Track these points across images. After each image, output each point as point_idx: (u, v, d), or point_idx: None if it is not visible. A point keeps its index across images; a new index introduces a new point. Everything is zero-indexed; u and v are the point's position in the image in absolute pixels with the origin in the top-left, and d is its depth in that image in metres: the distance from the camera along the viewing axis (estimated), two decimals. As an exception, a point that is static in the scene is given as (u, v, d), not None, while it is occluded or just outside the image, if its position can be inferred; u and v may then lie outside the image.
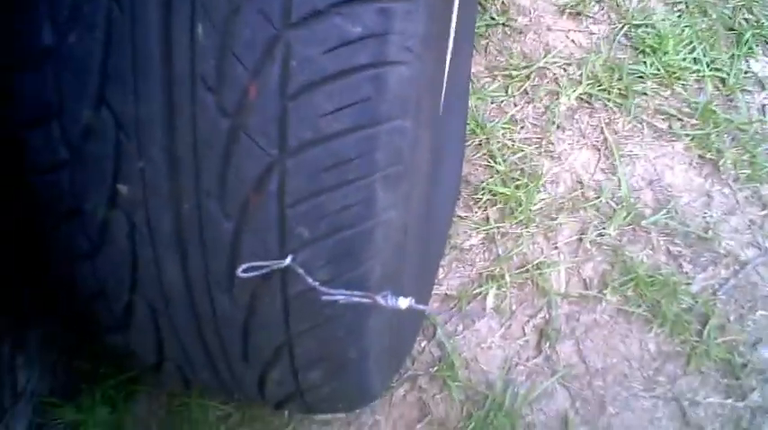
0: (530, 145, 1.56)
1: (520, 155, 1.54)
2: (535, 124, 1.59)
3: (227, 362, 0.72)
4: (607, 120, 1.60)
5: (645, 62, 1.68)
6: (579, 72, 1.65)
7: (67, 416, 1.24)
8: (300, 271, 0.60)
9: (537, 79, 1.64)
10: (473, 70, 1.57)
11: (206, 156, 0.57)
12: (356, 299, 0.59)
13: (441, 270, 1.43)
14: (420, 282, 0.94)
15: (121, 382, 1.27)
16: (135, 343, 0.74)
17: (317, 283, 0.60)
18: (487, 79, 1.63)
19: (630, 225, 1.48)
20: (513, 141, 1.55)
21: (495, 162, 1.52)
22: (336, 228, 0.60)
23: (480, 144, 1.55)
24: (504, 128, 1.57)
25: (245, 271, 0.60)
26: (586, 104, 1.62)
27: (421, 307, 0.57)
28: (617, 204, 1.50)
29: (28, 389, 1.29)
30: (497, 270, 1.42)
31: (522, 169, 1.52)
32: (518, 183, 1.50)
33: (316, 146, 0.56)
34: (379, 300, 0.59)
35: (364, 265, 0.63)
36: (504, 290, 1.41)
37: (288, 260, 0.60)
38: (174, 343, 0.72)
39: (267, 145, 0.56)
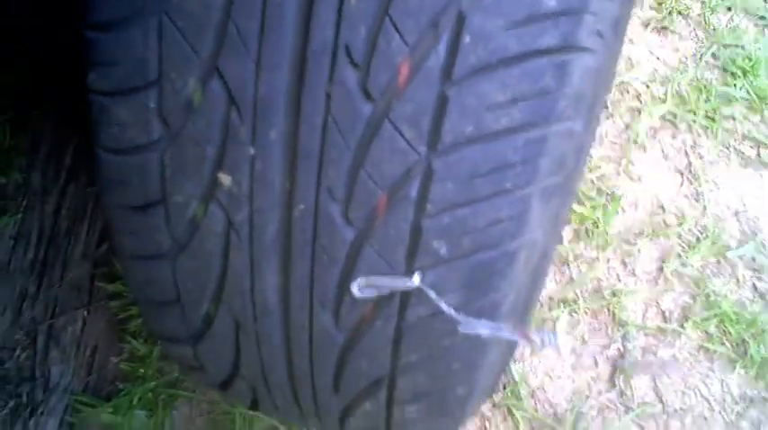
0: (608, 163, 1.45)
1: (597, 173, 1.43)
2: (614, 142, 1.48)
3: (312, 388, 0.62)
4: (692, 143, 1.49)
5: (734, 85, 1.56)
6: (663, 90, 1.54)
7: (102, 417, 1.15)
8: (433, 294, 0.49)
9: (618, 94, 1.53)
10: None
11: (336, 148, 0.46)
12: (504, 334, 0.48)
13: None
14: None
15: (161, 385, 1.17)
16: (207, 357, 0.63)
17: (452, 310, 0.49)
18: (566, 89, 1.52)
19: (715, 257, 1.36)
20: (592, 159, 1.44)
21: (572, 178, 1.41)
22: (480, 245, 0.49)
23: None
24: (582, 142, 1.46)
25: (360, 289, 0.50)
26: (670, 124, 1.50)
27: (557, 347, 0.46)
28: (701, 233, 1.38)
29: (61, 384, 1.21)
30: (570, 294, 1.31)
31: (599, 188, 1.41)
32: (595, 203, 1.39)
33: (474, 144, 0.46)
34: (536, 339, 0.48)
35: (499, 292, 0.52)
36: (576, 316, 1.30)
37: (417, 279, 0.50)
38: (254, 362, 0.61)
39: (415, 139, 0.45)
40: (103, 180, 0.56)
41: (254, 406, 0.75)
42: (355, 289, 0.50)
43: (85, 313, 1.28)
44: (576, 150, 0.51)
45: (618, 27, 0.48)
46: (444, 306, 0.49)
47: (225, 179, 0.49)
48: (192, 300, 0.59)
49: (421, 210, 0.48)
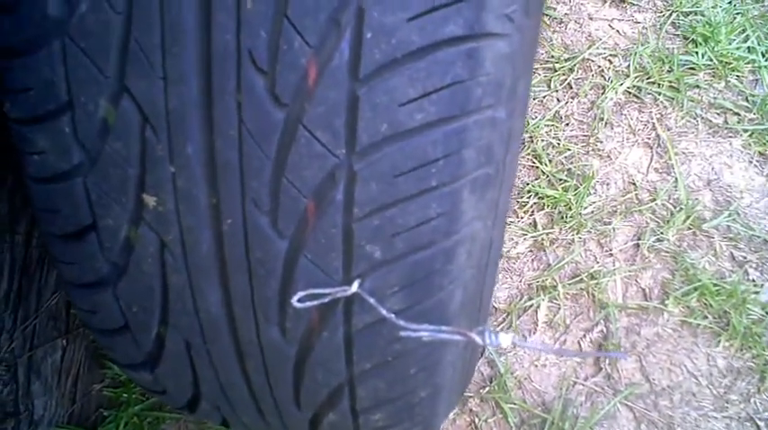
0: (576, 143, 1.44)
1: (566, 154, 1.42)
2: (581, 120, 1.47)
3: (274, 403, 0.61)
4: (658, 116, 1.48)
5: (696, 52, 1.55)
6: (626, 64, 1.53)
7: (89, 444, 1.14)
8: (371, 300, 0.48)
9: (581, 72, 1.52)
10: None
11: (254, 157, 0.45)
12: (444, 336, 0.47)
13: (485, 281, 1.31)
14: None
15: (146, 408, 1.16)
16: (166, 380, 0.62)
17: (392, 315, 0.48)
18: (529, 73, 1.51)
19: (690, 229, 1.36)
20: (559, 140, 1.44)
21: (541, 162, 1.40)
22: (414, 246, 0.48)
23: (523, 142, 1.43)
24: (548, 125, 1.45)
25: (300, 300, 0.49)
26: (635, 98, 1.50)
27: (529, 345, 0.45)
28: (674, 207, 1.38)
29: (46, 417, 1.20)
30: (548, 280, 1.30)
31: (569, 169, 1.40)
32: (566, 184, 1.38)
33: (393, 143, 0.45)
34: (476, 337, 0.47)
35: (444, 291, 0.51)
36: (557, 302, 1.29)
37: (355, 286, 0.49)
38: (213, 381, 0.60)
39: (332, 142, 0.44)
40: (36, 210, 0.55)
41: (226, 425, 0.74)
42: (295, 300, 0.49)
43: (64, 342, 1.27)
44: (504, 138, 0.50)
45: (530, 8, 0.47)
46: (384, 311, 0.48)
47: (149, 200, 0.48)
48: (139, 324, 0.57)
49: (349, 213, 0.47)
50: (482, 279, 0.57)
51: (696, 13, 1.62)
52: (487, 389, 1.22)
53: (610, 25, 1.59)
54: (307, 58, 0.42)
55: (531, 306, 1.29)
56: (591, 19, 1.59)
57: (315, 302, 0.49)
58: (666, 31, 1.59)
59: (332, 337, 0.53)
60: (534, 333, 1.28)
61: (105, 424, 1.16)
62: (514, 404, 1.20)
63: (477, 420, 1.20)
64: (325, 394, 0.58)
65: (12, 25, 0.46)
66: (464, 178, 0.47)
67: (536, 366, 1.25)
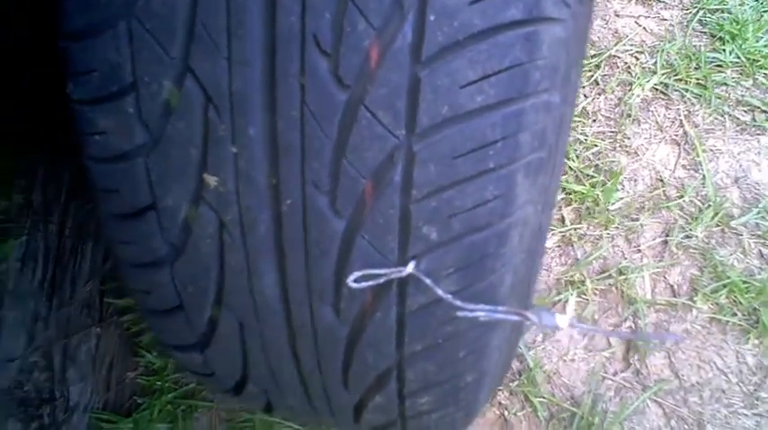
0: (604, 139, 1.45)
1: (594, 150, 1.43)
2: (608, 117, 1.47)
3: (323, 386, 0.62)
4: (686, 113, 1.48)
5: (723, 50, 1.55)
6: (653, 61, 1.53)
7: (123, 432, 1.16)
8: (428, 281, 0.49)
9: (607, 68, 1.52)
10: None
11: (316, 139, 0.46)
12: (500, 316, 0.48)
13: (513, 276, 1.31)
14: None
15: (180, 396, 1.18)
16: (215, 362, 0.63)
17: (449, 296, 0.49)
18: (556, 70, 1.51)
19: (719, 226, 1.35)
20: (586, 136, 1.44)
21: (568, 158, 1.40)
22: (470, 228, 0.49)
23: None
24: (575, 121, 1.45)
25: (356, 280, 0.50)
26: (662, 95, 1.50)
27: (586, 327, 0.45)
28: (702, 203, 1.38)
29: (81, 403, 1.22)
30: (577, 275, 1.30)
31: (596, 165, 1.41)
32: (594, 180, 1.39)
33: (452, 125, 0.46)
34: (533, 317, 0.48)
35: (495, 274, 0.52)
36: (585, 297, 1.29)
37: (410, 267, 0.50)
38: (263, 364, 0.61)
39: (392, 124, 0.45)
40: (96, 190, 0.57)
41: (269, 409, 0.75)
42: (351, 281, 0.50)
43: (98, 330, 1.29)
44: (556, 124, 0.50)
45: (587, -6, 0.48)
46: (440, 292, 0.49)
47: (210, 179, 0.49)
48: (194, 304, 0.59)
49: (407, 195, 0.48)
50: (532, 264, 0.57)
51: (723, 11, 1.62)
52: (517, 382, 1.22)
53: (636, 22, 1.59)
54: (370, 40, 0.43)
55: (559, 300, 1.29)
56: (617, 16, 1.60)
57: (370, 283, 0.50)
58: (693, 29, 1.59)
59: (385, 318, 0.54)
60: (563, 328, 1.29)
61: (139, 411, 1.18)
62: (543, 398, 1.21)
63: (506, 413, 1.21)
64: (374, 376, 0.59)
65: (78, 8, 0.48)
66: (519, 161, 0.48)
67: (564, 361, 1.25)
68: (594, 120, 1.47)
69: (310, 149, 0.47)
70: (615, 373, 1.23)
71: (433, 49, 0.44)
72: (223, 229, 0.52)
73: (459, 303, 0.48)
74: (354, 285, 0.50)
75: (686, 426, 1.19)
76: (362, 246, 0.50)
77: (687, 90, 1.49)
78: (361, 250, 0.50)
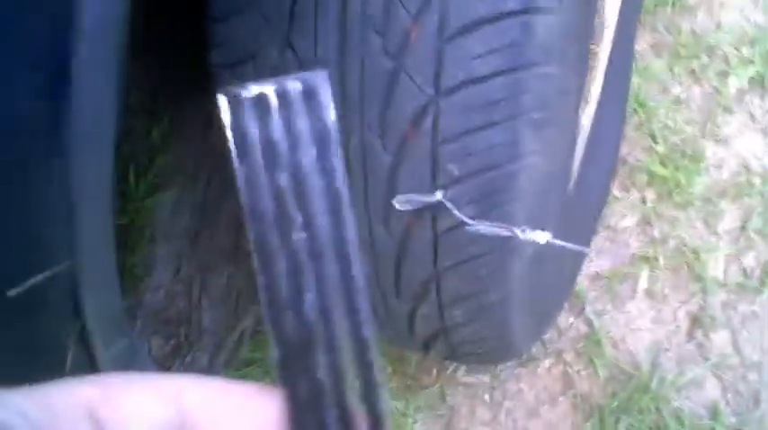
0: (693, 126, 1.51)
1: (682, 136, 1.50)
2: (701, 105, 1.53)
3: (382, 294, 0.80)
4: (782, 105, 1.51)
5: (829, 44, 1.56)
6: (752, 51, 1.57)
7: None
8: (450, 205, 0.66)
9: (706, 58, 1.58)
10: (637, 47, 1.54)
11: (371, 94, 0.65)
12: (497, 230, 0.64)
13: (592, 249, 1.42)
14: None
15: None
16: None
17: (461, 215, 0.65)
18: (653, 58, 1.59)
19: (801, 215, 1.39)
20: (676, 122, 1.51)
21: (656, 142, 1.49)
22: (483, 166, 0.65)
23: (641, 124, 1.52)
24: (666, 108, 1.53)
25: (399, 203, 0.67)
26: (758, 86, 1.54)
27: (561, 243, 0.61)
28: (787, 193, 1.42)
29: (211, 327, 1.48)
30: (651, 252, 1.40)
31: (683, 151, 1.48)
32: (678, 164, 1.46)
33: (467, 87, 0.62)
34: (518, 232, 0.63)
35: (508, 206, 0.68)
36: (657, 272, 1.38)
37: (438, 194, 0.67)
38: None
39: (424, 84, 0.63)
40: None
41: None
42: (396, 203, 0.68)
43: (230, 270, 1.54)
44: (559, 91, 0.65)
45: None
46: (456, 212, 0.66)
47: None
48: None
49: (435, 138, 0.65)
50: (543, 204, 0.73)
51: (835, 6, 1.61)
52: (583, 344, 1.34)
53: (740, 13, 1.62)
54: (409, 23, 0.61)
55: (632, 274, 1.39)
56: (722, 7, 1.63)
57: (409, 206, 0.67)
58: (800, 23, 1.60)
59: (422, 236, 0.71)
60: (633, 300, 1.39)
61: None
62: (606, 360, 1.32)
63: (570, 370, 1.33)
64: (418, 286, 0.77)
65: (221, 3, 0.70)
66: (521, 117, 0.63)
67: (631, 329, 1.36)
68: (687, 108, 1.53)
69: (366, 102, 0.65)
70: (678, 345, 1.32)
71: (452, 30, 0.61)
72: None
73: (466, 219, 0.65)
74: (399, 206, 0.67)
75: (742, 400, 1.26)
76: (404, 177, 0.68)
77: (785, 82, 1.52)
78: (403, 180, 0.68)
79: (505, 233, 0.64)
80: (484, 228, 0.65)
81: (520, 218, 0.70)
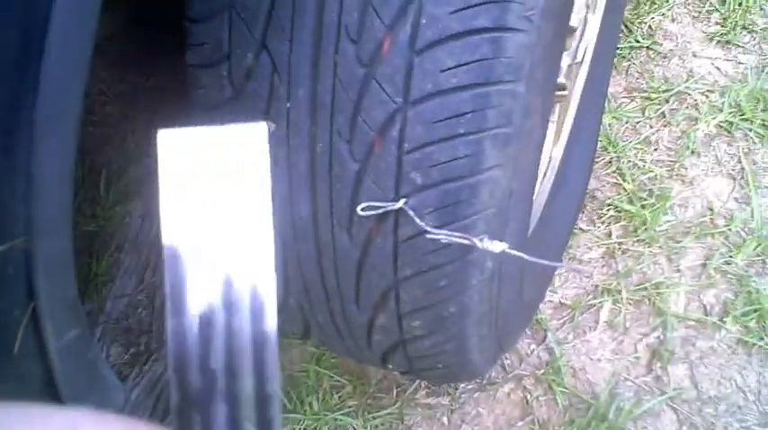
0: (661, 167, 1.55)
1: (650, 175, 1.54)
2: (669, 147, 1.58)
3: (341, 301, 0.81)
4: (746, 150, 1.56)
5: (795, 97, 1.61)
6: (722, 100, 1.62)
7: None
8: (411, 213, 0.67)
9: (676, 103, 1.63)
10: (611, 90, 1.59)
11: (341, 101, 0.66)
12: (456, 238, 0.65)
13: (557, 279, 1.45)
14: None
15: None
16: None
17: (422, 223, 0.67)
18: (625, 100, 1.64)
19: (760, 257, 1.43)
20: (645, 162, 1.55)
21: (624, 180, 1.53)
22: (445, 177, 0.67)
23: (610, 162, 1.56)
24: (636, 148, 1.57)
25: (363, 209, 0.68)
26: (726, 133, 1.59)
27: (517, 253, 0.62)
28: (747, 235, 1.45)
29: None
30: (614, 284, 1.42)
31: (650, 190, 1.52)
32: (645, 202, 1.50)
33: (434, 98, 0.64)
34: (476, 241, 0.65)
35: (469, 218, 0.69)
36: (619, 305, 1.41)
37: (401, 203, 0.68)
38: (298, 279, 0.81)
39: (393, 93, 0.64)
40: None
41: (307, 334, 0.94)
42: (359, 209, 0.69)
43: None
44: (523, 107, 0.67)
45: (547, 14, 0.65)
46: (417, 220, 0.67)
47: (271, 125, 0.70)
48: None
49: (401, 147, 0.66)
50: (504, 220, 0.74)
51: (801, 60, 1.68)
52: (543, 371, 1.36)
53: (712, 63, 1.69)
54: (383, 33, 0.63)
55: (594, 305, 1.41)
56: (695, 56, 1.69)
57: (371, 212, 0.68)
58: (767, 74, 1.66)
59: (384, 245, 0.72)
60: (594, 330, 1.41)
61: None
62: (566, 388, 1.33)
63: (529, 396, 1.34)
64: (377, 295, 0.78)
65: (199, 0, 0.71)
66: (485, 132, 0.65)
67: (591, 359, 1.37)
68: (656, 149, 1.58)
69: (337, 108, 0.67)
70: (637, 377, 1.34)
71: (424, 42, 0.63)
72: (275, 166, 0.72)
73: (427, 227, 0.66)
74: (362, 213, 0.69)
75: (697, 434, 1.28)
76: (369, 184, 0.69)
77: (751, 130, 1.57)
78: (368, 187, 0.69)
79: (464, 241, 0.66)
80: (443, 235, 0.66)
81: (479, 230, 0.71)
